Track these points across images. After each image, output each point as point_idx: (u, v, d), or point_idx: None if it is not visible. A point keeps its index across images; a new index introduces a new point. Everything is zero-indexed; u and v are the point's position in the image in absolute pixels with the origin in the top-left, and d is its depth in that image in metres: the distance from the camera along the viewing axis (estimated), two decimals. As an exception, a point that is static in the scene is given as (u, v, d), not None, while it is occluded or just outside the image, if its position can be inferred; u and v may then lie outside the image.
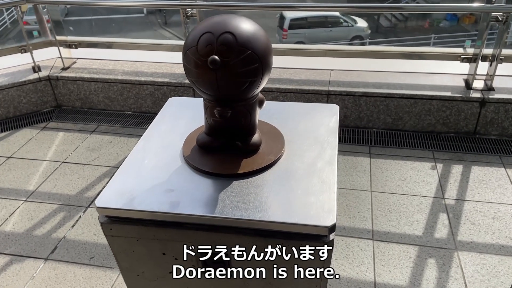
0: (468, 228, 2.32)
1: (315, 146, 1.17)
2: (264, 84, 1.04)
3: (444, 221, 2.38)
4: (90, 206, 2.57)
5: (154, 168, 1.11)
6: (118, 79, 3.43)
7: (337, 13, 16.59)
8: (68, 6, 22.27)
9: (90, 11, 22.14)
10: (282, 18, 15.68)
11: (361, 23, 17.74)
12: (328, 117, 1.29)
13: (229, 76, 0.95)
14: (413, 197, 2.56)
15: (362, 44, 16.97)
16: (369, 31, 17.94)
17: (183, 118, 1.31)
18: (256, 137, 1.13)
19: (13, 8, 3.54)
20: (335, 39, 16.18)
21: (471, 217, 2.39)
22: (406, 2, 21.11)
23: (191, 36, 0.99)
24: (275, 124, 1.25)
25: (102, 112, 3.58)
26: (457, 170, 2.78)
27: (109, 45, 3.81)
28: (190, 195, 1.02)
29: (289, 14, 15.24)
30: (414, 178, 2.71)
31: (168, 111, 1.36)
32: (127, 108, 3.56)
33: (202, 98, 1.09)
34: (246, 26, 0.98)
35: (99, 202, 1.04)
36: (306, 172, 1.08)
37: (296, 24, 15.78)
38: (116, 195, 1.05)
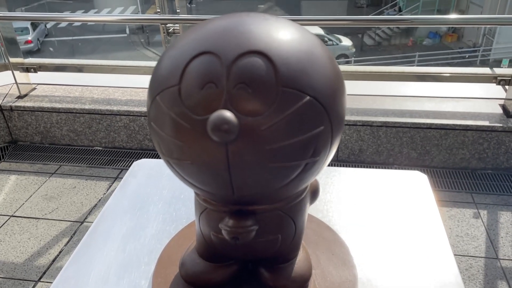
0: (540, 303, 1.77)
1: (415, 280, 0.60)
2: (328, 163, 0.48)
3: (506, 292, 1.83)
4: (41, 280, 1.95)
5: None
6: (85, 109, 2.84)
7: (321, 32, 16.40)
8: (47, 26, 21.74)
9: (71, 31, 21.60)
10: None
11: (346, 41, 17.70)
12: (413, 199, 0.73)
13: (257, 159, 0.39)
14: (460, 258, 2.01)
15: (347, 63, 16.80)
16: (354, 50, 17.83)
17: (153, 203, 0.74)
18: (301, 262, 0.56)
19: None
20: (320, 57, 16.15)
21: (539, 286, 1.85)
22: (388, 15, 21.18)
23: (166, 60, 0.43)
24: (324, 215, 0.68)
25: (66, 148, 2.97)
26: (505, 218, 2.25)
27: (79, 68, 3.23)
28: None
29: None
30: (456, 231, 2.17)
31: (129, 189, 0.78)
32: (96, 143, 2.96)
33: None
34: (292, 37, 0.42)
35: None
36: None
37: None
38: None
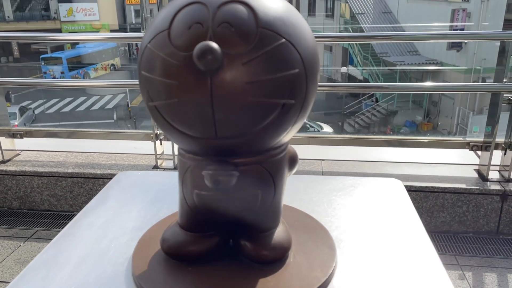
0: None
1: (392, 255, 0.62)
2: (305, 118, 0.52)
3: None
4: None
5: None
6: (68, 173, 2.83)
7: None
8: (35, 112, 22.19)
9: (59, 117, 22.04)
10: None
11: (327, 128, 18.36)
12: (391, 199, 0.76)
13: (238, 92, 0.43)
14: (449, 319, 1.94)
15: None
16: (335, 137, 18.47)
17: (136, 202, 0.75)
18: (281, 232, 0.57)
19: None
20: (302, 143, 16.70)
21: None
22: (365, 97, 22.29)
23: (158, 17, 0.49)
24: (308, 211, 0.70)
25: (45, 213, 2.90)
26: (491, 279, 2.22)
27: (67, 135, 3.28)
28: None
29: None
30: (443, 292, 2.12)
31: (113, 191, 0.79)
32: (76, 208, 2.91)
33: (174, 170, 0.54)
34: None
35: None
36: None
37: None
38: None
